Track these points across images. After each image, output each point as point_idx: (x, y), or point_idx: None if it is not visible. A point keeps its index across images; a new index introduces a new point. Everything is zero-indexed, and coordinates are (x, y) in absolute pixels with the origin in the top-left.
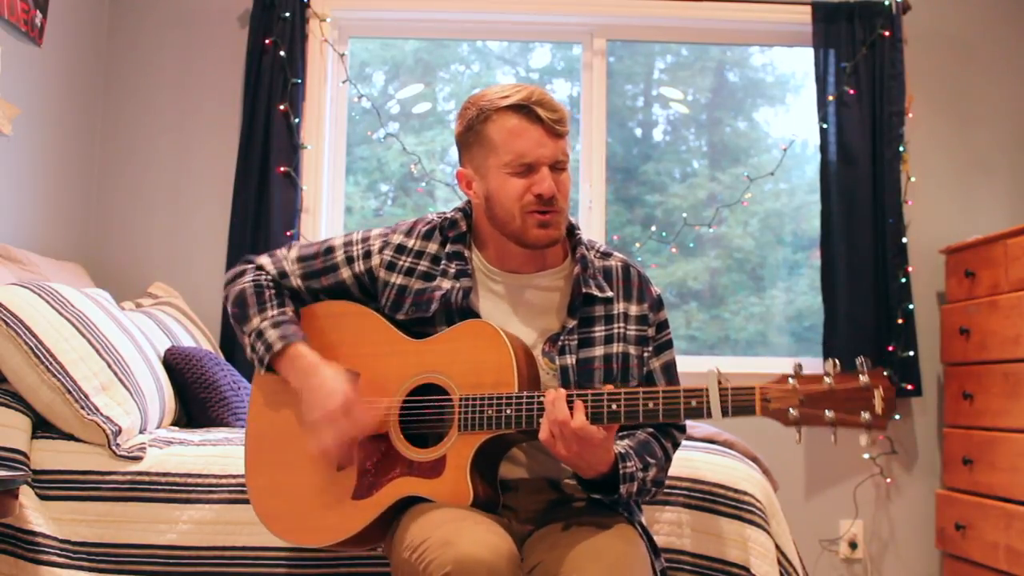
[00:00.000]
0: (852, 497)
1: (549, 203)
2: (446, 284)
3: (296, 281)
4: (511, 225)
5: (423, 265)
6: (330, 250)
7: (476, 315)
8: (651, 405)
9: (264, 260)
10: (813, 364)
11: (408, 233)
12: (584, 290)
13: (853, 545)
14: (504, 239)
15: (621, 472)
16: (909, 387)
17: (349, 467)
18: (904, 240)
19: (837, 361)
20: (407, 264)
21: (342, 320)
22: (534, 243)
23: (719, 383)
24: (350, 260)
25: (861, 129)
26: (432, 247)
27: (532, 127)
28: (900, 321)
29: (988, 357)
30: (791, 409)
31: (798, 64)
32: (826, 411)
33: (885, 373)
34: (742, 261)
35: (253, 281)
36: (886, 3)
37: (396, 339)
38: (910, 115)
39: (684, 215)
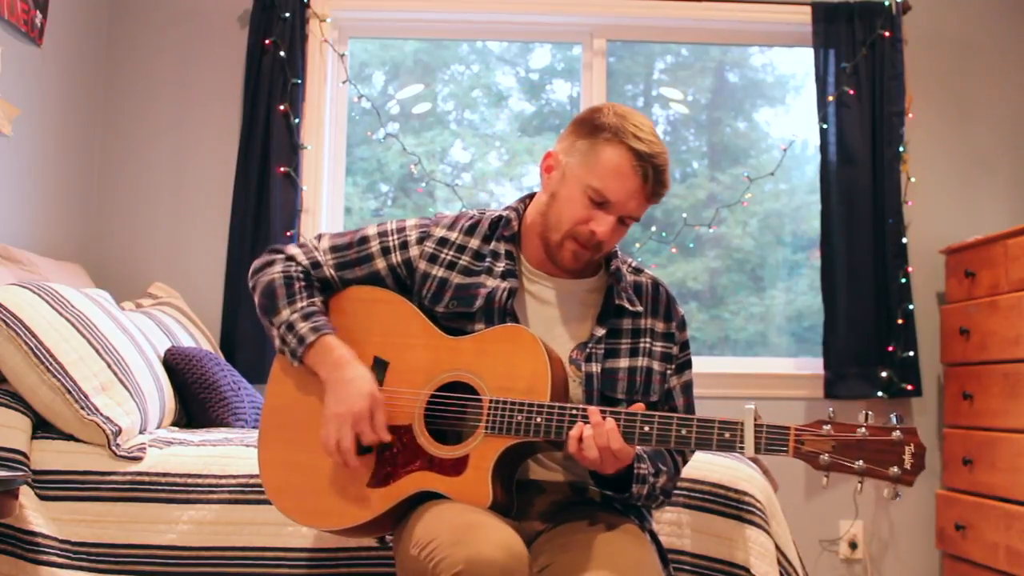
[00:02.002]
0: (852, 497)
1: (595, 246)
2: (491, 282)
3: (329, 271)
4: (550, 235)
5: (464, 260)
6: (364, 240)
7: (516, 316)
8: (684, 432)
9: (295, 251)
10: (813, 364)
11: (451, 227)
12: (616, 301)
13: (853, 545)
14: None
15: (636, 472)
16: (909, 387)
17: (368, 454)
18: (904, 240)
19: (871, 412)
20: (449, 257)
21: (375, 306)
22: (559, 262)
23: (755, 420)
24: (386, 251)
25: (861, 129)
26: (474, 243)
27: (635, 178)
28: (900, 321)
29: (988, 357)
30: (823, 454)
31: (798, 64)
32: (857, 461)
33: (918, 432)
34: (742, 261)
35: (283, 272)
36: (886, 3)
37: (430, 332)
38: (910, 115)
39: (684, 215)
